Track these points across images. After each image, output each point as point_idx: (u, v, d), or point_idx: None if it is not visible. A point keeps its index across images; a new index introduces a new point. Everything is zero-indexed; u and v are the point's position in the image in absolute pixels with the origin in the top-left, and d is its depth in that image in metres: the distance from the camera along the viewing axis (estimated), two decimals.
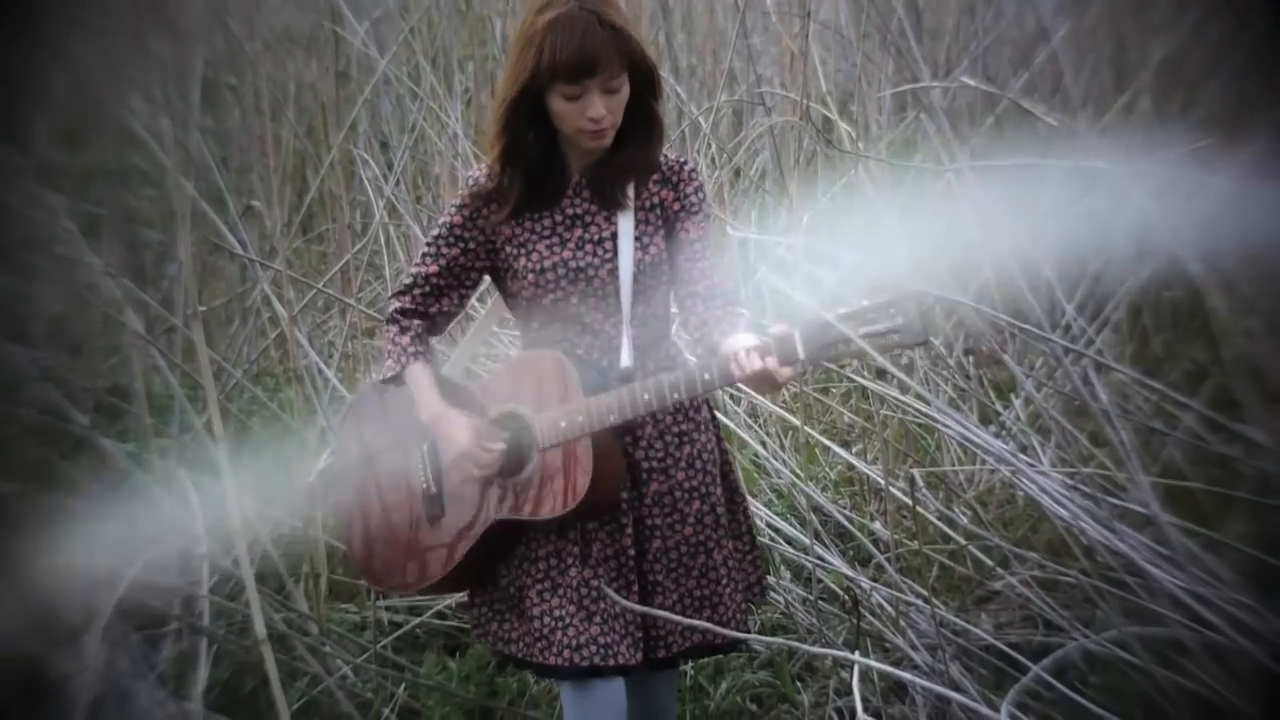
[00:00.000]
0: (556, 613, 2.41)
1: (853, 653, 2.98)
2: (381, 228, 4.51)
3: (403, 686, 3.38)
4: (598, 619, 2.41)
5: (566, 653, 2.39)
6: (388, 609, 3.74)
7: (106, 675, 2.79)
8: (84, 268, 3.46)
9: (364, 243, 4.49)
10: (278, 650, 3.31)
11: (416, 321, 2.52)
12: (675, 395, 2.33)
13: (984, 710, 2.35)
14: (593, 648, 2.39)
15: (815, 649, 2.72)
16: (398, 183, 4.72)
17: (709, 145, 5.07)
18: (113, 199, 4.04)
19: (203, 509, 3.25)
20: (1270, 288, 2.84)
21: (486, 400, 2.48)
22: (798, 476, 3.69)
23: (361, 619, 3.68)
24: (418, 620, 3.68)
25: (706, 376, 2.31)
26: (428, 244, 2.51)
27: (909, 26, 4.68)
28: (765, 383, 2.28)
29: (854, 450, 4.07)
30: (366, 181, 4.67)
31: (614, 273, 2.42)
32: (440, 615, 3.69)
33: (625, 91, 2.35)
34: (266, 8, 5.93)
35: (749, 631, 2.65)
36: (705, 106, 5.13)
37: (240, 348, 4.72)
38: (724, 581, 2.55)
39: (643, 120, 2.41)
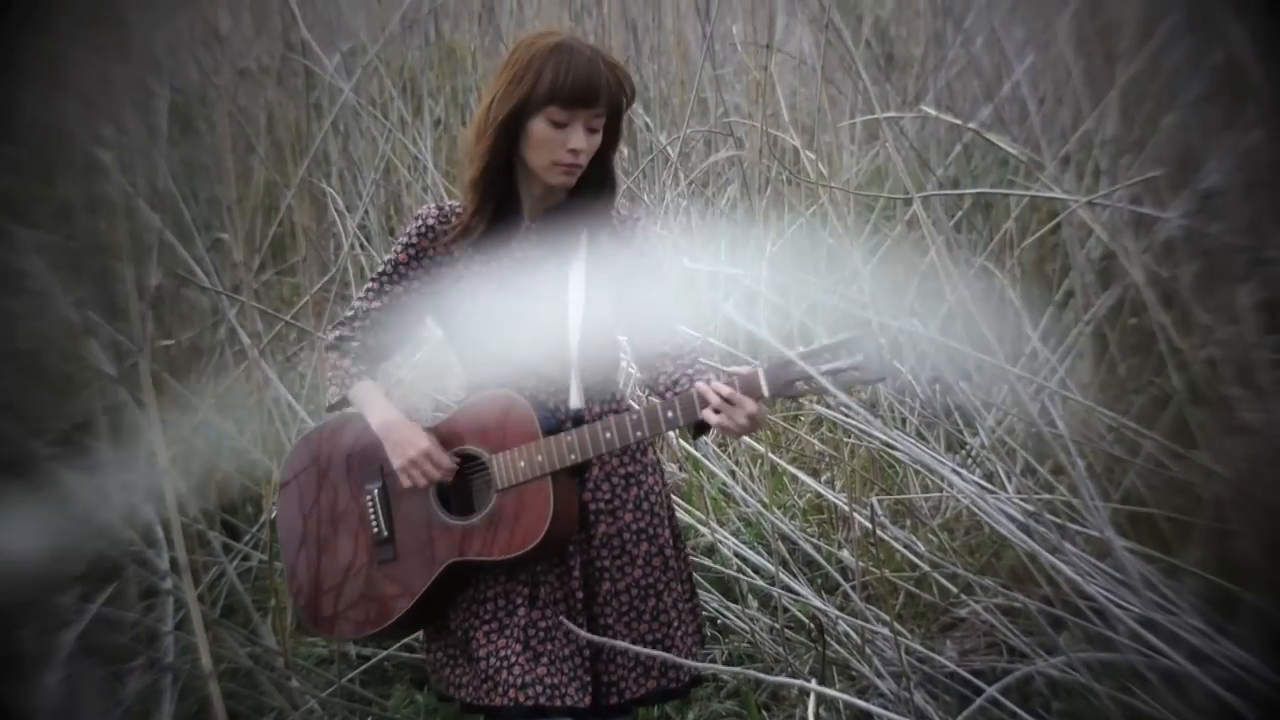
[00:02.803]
0: (502, 653, 2.41)
1: (820, 683, 2.99)
2: (351, 259, 4.51)
3: None
4: (544, 659, 2.40)
5: (512, 692, 2.37)
6: (355, 642, 3.72)
7: (70, 711, 2.78)
8: (53, 301, 3.45)
9: (331, 274, 4.49)
10: (244, 685, 3.32)
11: (355, 344, 2.50)
12: (639, 433, 2.35)
13: None
14: (539, 687, 2.37)
15: (778, 679, 2.71)
16: (365, 214, 4.73)
17: (676, 175, 5.09)
18: (84, 231, 4.03)
19: (166, 542, 3.25)
20: (1227, 317, 2.87)
21: (442, 438, 2.46)
22: (764, 505, 3.69)
23: (329, 652, 3.66)
24: (385, 653, 3.67)
25: (669, 414, 2.33)
26: (372, 280, 2.50)
27: (873, 57, 4.72)
28: (733, 417, 2.28)
29: (822, 479, 4.08)
30: (335, 213, 4.68)
31: (563, 320, 2.41)
32: (408, 648, 3.68)
33: (599, 139, 2.38)
34: (238, 38, 5.95)
35: (701, 677, 2.65)
36: (673, 136, 5.15)
37: (207, 381, 4.71)
38: (675, 624, 2.54)
39: (600, 174, 2.43)
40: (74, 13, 3.46)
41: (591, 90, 2.31)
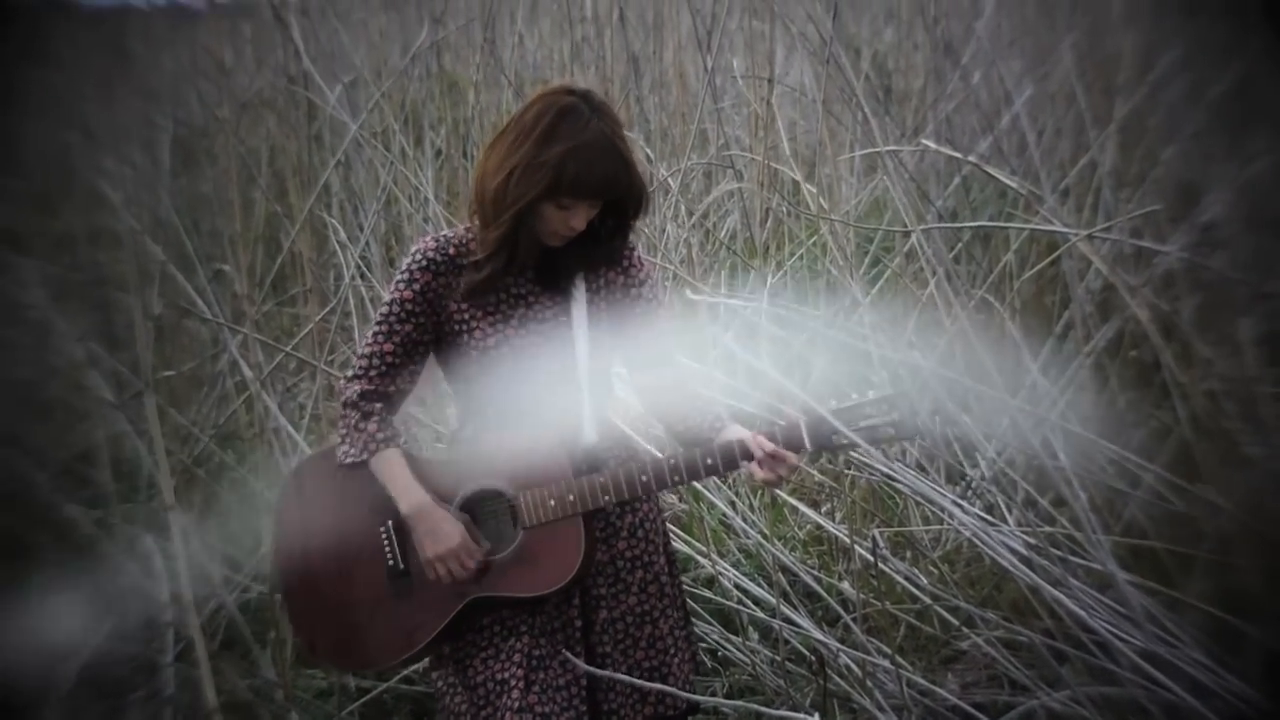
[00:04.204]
0: (499, 676, 2.41)
1: (821, 716, 2.97)
2: (352, 290, 4.52)
3: None
4: (536, 688, 2.40)
5: (509, 715, 2.37)
6: (353, 674, 3.71)
7: None
8: (54, 332, 3.46)
9: (333, 305, 4.49)
10: (243, 717, 3.30)
11: (379, 405, 2.44)
12: (676, 478, 2.37)
13: None
14: (528, 715, 2.37)
15: (780, 712, 2.70)
16: (366, 245, 4.73)
17: (677, 206, 5.10)
18: (85, 261, 4.05)
19: (167, 574, 3.24)
20: (1228, 350, 2.87)
21: (459, 476, 2.44)
22: (765, 537, 3.69)
23: (328, 685, 3.65)
24: (385, 686, 3.65)
25: (709, 462, 2.35)
26: (378, 322, 2.45)
27: (873, 90, 4.74)
28: (776, 470, 2.34)
29: (823, 510, 4.08)
30: (336, 244, 4.68)
31: (570, 353, 2.42)
32: (408, 680, 3.67)
33: (598, 209, 2.39)
34: (240, 71, 5.98)
35: (697, 705, 2.63)
36: (674, 168, 5.16)
37: (208, 412, 4.71)
38: (672, 652, 2.55)
39: (613, 228, 2.44)
40: (78, 46, 3.49)
41: (606, 190, 2.34)
